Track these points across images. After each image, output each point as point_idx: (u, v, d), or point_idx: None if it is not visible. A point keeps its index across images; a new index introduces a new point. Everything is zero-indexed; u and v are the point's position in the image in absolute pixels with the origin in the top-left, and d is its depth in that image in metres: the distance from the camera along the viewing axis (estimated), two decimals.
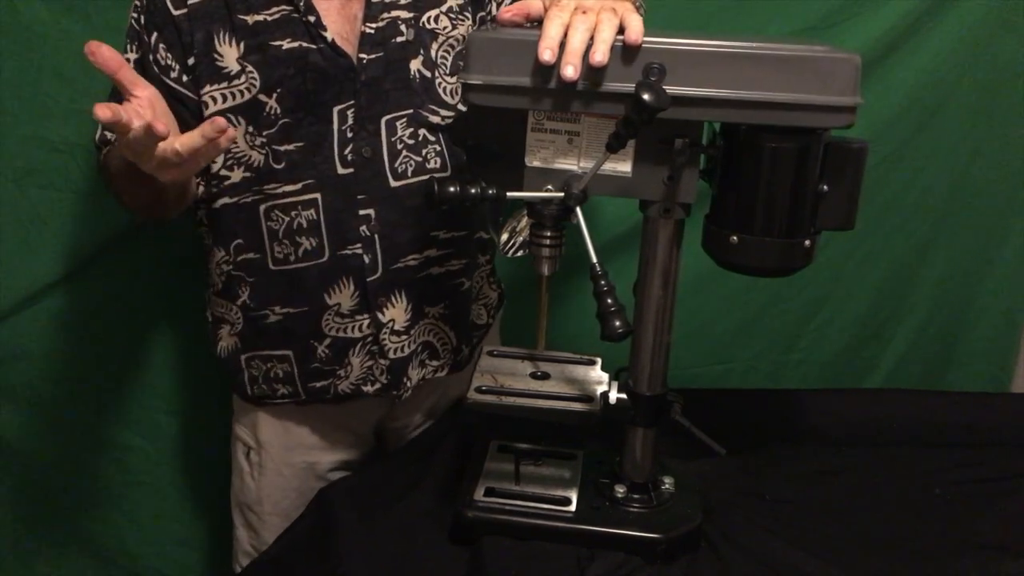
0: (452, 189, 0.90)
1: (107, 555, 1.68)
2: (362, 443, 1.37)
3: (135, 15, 1.13)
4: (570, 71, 0.87)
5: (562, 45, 0.87)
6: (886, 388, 1.82)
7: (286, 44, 1.12)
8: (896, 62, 1.61)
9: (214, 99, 1.12)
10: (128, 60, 1.11)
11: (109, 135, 1.16)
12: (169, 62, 1.12)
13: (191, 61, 1.11)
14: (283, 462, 1.33)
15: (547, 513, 1.05)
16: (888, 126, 1.65)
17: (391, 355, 1.26)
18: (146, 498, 1.69)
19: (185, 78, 1.12)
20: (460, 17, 1.19)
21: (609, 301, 0.88)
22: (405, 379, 1.28)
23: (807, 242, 0.94)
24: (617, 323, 0.87)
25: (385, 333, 1.24)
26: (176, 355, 1.62)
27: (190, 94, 1.13)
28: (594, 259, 0.90)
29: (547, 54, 0.87)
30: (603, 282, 0.89)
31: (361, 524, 1.09)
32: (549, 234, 0.97)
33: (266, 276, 1.21)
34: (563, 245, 0.98)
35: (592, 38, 0.87)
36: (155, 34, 1.11)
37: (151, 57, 1.12)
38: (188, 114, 1.11)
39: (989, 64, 1.64)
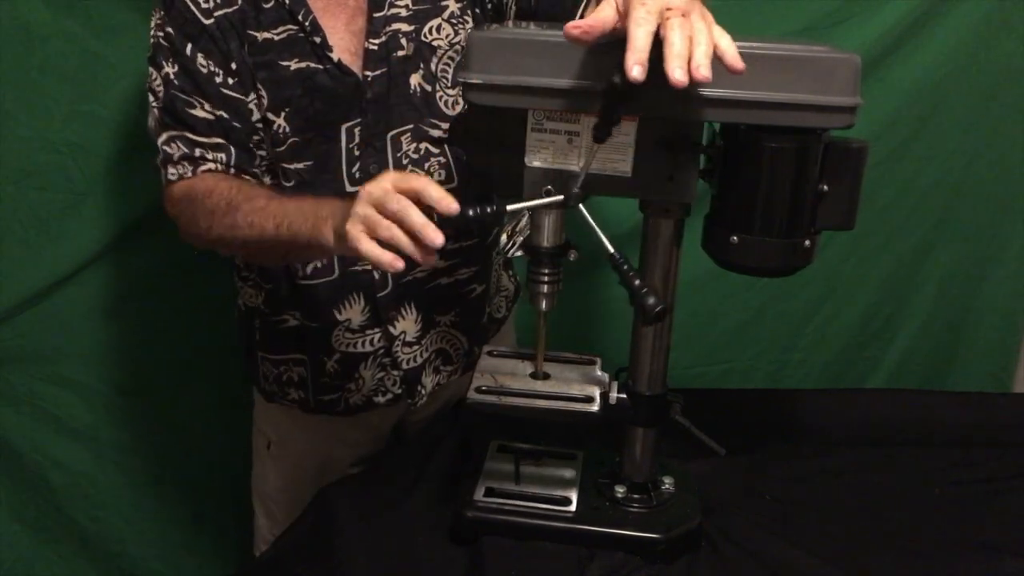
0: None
1: (107, 555, 1.68)
2: (381, 440, 1.37)
3: (160, 33, 1.09)
4: (678, 74, 0.73)
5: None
6: (887, 388, 1.82)
7: (293, 64, 1.10)
8: (896, 62, 1.61)
9: (250, 109, 1.11)
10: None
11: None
12: (212, 68, 1.09)
13: (234, 66, 1.09)
14: (301, 457, 1.34)
15: (547, 513, 1.05)
16: (888, 126, 1.65)
17: (404, 366, 1.26)
18: (146, 498, 1.69)
19: (231, 81, 1.10)
20: (462, 21, 1.17)
21: (638, 282, 0.87)
22: (419, 387, 1.29)
23: (807, 242, 0.94)
24: (652, 301, 0.86)
25: (397, 345, 1.25)
26: (177, 356, 1.62)
27: (239, 96, 1.10)
28: (611, 250, 0.89)
29: (636, 71, 0.73)
30: (627, 266, 0.87)
31: (361, 524, 1.09)
32: (547, 271, 0.98)
33: (280, 287, 1.21)
34: (560, 281, 0.99)
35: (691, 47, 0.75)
36: (189, 45, 1.08)
37: (192, 67, 1.09)
38: (237, 119, 1.10)
39: (989, 64, 1.64)
